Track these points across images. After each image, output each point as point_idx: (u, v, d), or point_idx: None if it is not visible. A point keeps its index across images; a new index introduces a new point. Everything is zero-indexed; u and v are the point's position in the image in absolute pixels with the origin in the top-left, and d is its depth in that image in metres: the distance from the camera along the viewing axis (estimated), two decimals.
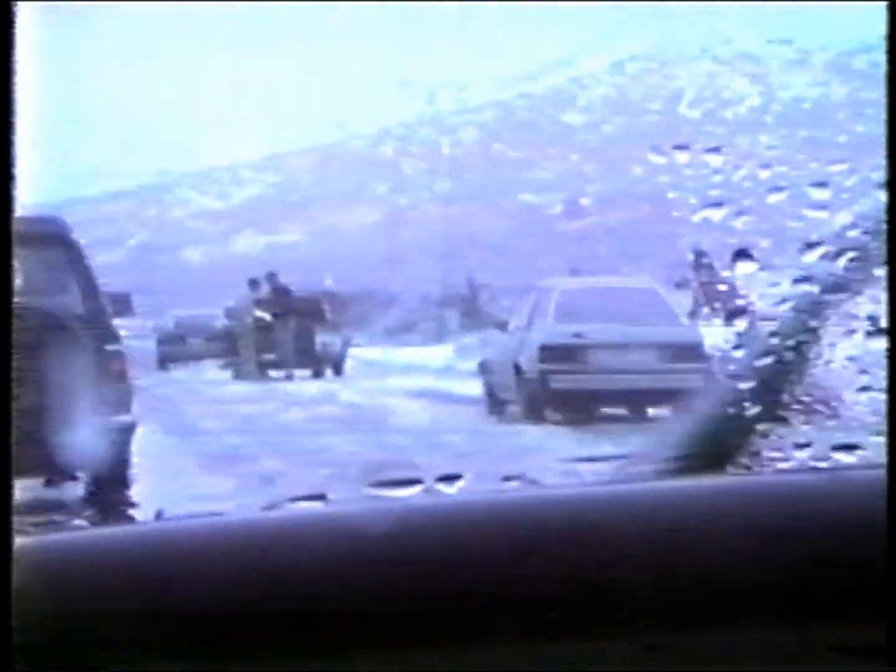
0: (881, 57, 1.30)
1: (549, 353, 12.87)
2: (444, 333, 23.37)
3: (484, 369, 14.12)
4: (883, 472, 1.23)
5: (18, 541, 1.16)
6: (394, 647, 1.18)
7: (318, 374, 20.52)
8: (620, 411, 12.50)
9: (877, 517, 1.19)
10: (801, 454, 1.52)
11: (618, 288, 14.50)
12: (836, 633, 1.19)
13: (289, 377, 19.76)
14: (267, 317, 20.36)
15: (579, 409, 12.14)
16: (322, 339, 21.18)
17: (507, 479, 1.52)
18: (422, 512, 1.29)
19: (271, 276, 21.13)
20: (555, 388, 12.59)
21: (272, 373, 19.49)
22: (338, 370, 20.99)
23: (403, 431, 10.93)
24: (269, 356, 19.69)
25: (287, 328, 20.37)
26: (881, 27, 1.38)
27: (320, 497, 1.36)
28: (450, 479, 1.36)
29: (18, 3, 1.18)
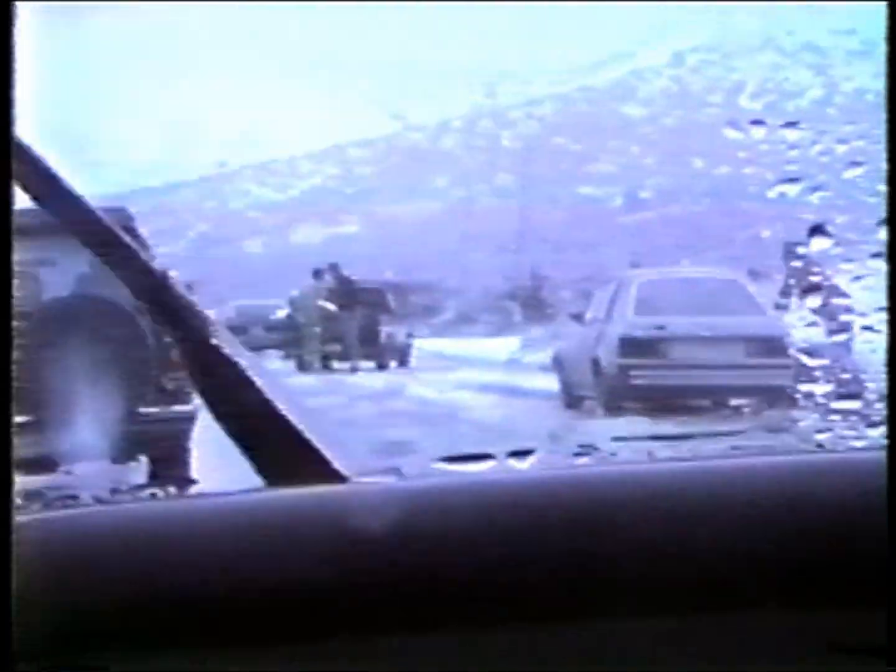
0: None
1: (630, 346, 12.37)
2: (507, 326, 23.30)
3: (558, 363, 13.59)
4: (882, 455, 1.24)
5: (19, 519, 1.18)
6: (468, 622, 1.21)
7: (382, 367, 20.28)
8: (705, 406, 11.93)
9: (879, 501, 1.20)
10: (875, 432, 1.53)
11: (700, 278, 13.90)
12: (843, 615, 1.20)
13: (353, 369, 19.63)
14: (332, 307, 20.25)
15: (661, 405, 11.57)
16: (387, 330, 21.00)
17: (578, 454, 1.55)
18: (492, 486, 1.32)
19: (333, 267, 21.05)
20: (636, 384, 12.11)
21: (336, 364, 19.33)
22: (403, 362, 20.77)
23: (478, 426, 10.52)
24: (334, 347, 19.52)
25: (352, 319, 20.25)
26: None
27: (395, 471, 1.38)
28: (522, 454, 1.39)
29: (19, 2, 1.22)
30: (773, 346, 10.67)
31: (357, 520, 1.21)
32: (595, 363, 12.46)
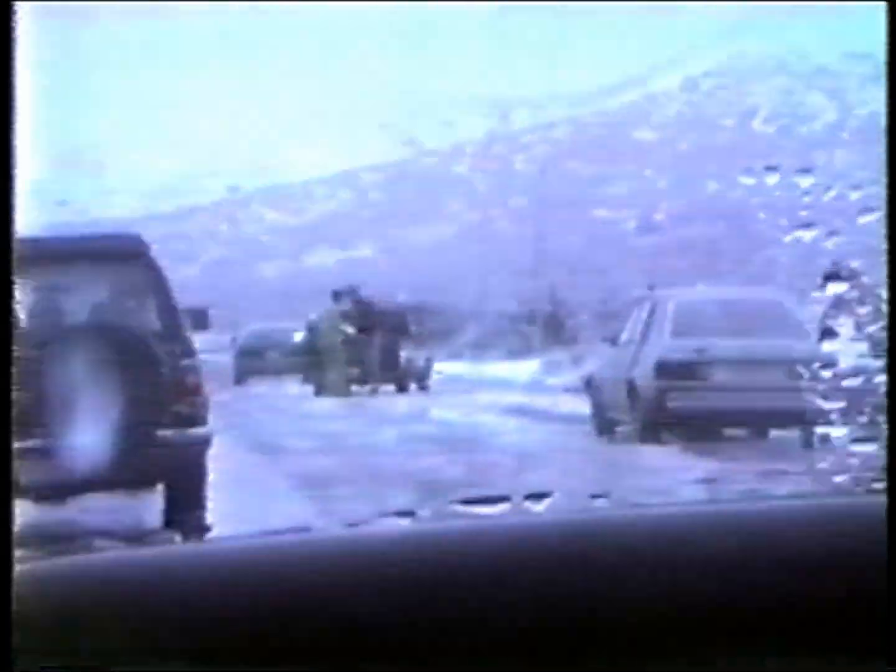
0: None
1: (668, 369, 11.95)
2: (526, 349, 23.16)
3: (590, 386, 13.09)
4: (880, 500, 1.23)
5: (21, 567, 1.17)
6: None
7: (402, 390, 20.00)
8: (743, 433, 11.77)
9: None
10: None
11: (740, 299, 13.32)
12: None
13: (373, 392, 19.38)
14: (351, 330, 20.04)
15: (700, 430, 11.30)
16: (406, 353, 20.77)
17: (594, 496, 1.52)
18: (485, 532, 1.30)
19: (352, 289, 20.82)
20: (673, 408, 11.63)
21: (355, 387, 19.11)
22: (422, 385, 20.52)
23: (505, 452, 10.28)
24: (353, 370, 19.28)
25: (371, 342, 20.06)
26: None
27: (409, 514, 1.35)
28: (538, 496, 1.37)
29: (20, 2, 1.22)
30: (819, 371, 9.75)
31: (369, 565, 1.21)
32: (630, 387, 11.98)
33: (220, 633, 1.15)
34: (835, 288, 2.33)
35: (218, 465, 6.95)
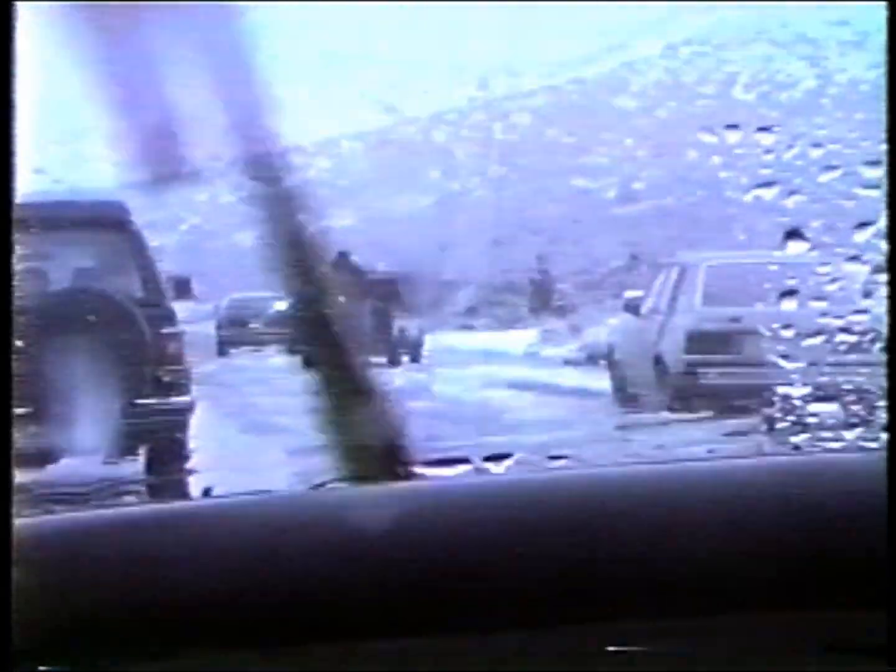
0: None
1: (699, 341, 11.13)
2: (515, 320, 23.02)
3: (611, 359, 12.35)
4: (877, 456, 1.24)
5: (19, 522, 1.18)
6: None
7: (393, 362, 19.50)
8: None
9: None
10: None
11: (775, 263, 11.89)
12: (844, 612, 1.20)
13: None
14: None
15: (734, 406, 10.25)
16: (399, 323, 20.17)
17: (553, 457, 1.54)
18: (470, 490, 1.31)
19: (343, 256, 20.33)
20: (706, 383, 10.86)
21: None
22: (415, 357, 19.93)
23: (526, 431, 9.66)
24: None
25: (362, 312, 19.62)
26: None
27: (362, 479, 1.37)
28: (498, 458, 1.39)
29: (22, 2, 1.22)
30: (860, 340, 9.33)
31: (346, 522, 1.21)
32: (657, 360, 11.21)
33: (207, 594, 1.16)
34: (796, 247, 2.34)
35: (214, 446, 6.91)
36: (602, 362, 12.76)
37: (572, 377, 13.39)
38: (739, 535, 1.23)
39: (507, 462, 1.43)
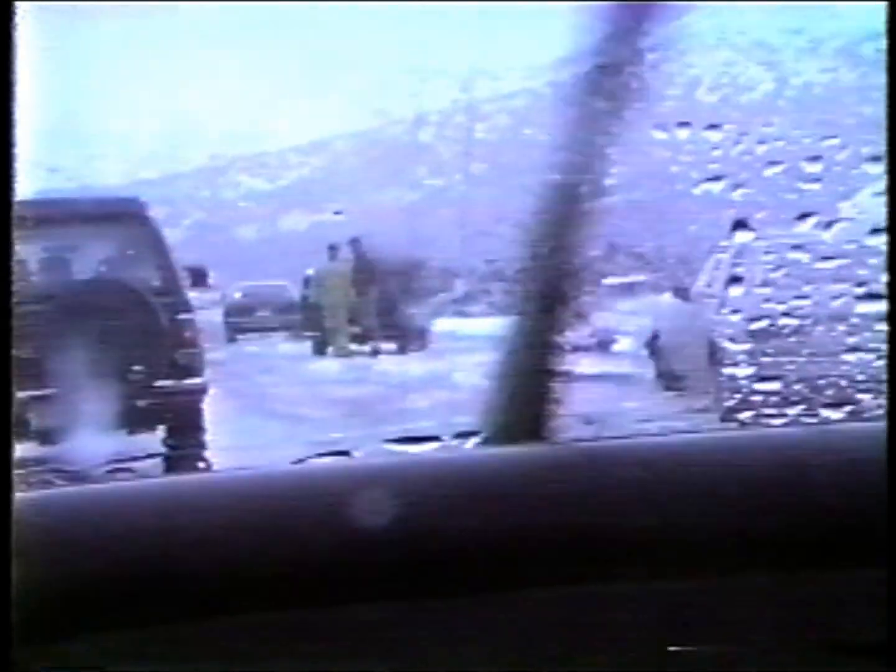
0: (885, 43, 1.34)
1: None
2: (508, 305, 22.70)
3: (654, 345, 11.61)
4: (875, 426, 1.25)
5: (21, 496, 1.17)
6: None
7: (402, 350, 18.91)
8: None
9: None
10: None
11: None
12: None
13: (375, 352, 18.30)
14: (351, 286, 18.90)
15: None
16: (407, 310, 19.63)
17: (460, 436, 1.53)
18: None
19: (355, 243, 19.37)
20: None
21: (354, 347, 17.97)
22: (422, 344, 19.38)
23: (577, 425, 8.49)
24: (353, 329, 18.19)
25: (372, 298, 18.97)
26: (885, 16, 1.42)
27: (344, 453, 1.38)
28: (466, 435, 1.40)
29: (24, 2, 1.22)
30: None
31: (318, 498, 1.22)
32: (711, 348, 10.36)
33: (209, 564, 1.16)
34: (742, 237, 2.37)
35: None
36: (629, 349, 12.14)
37: (587, 363, 12.65)
38: (733, 510, 1.24)
39: (474, 439, 1.45)
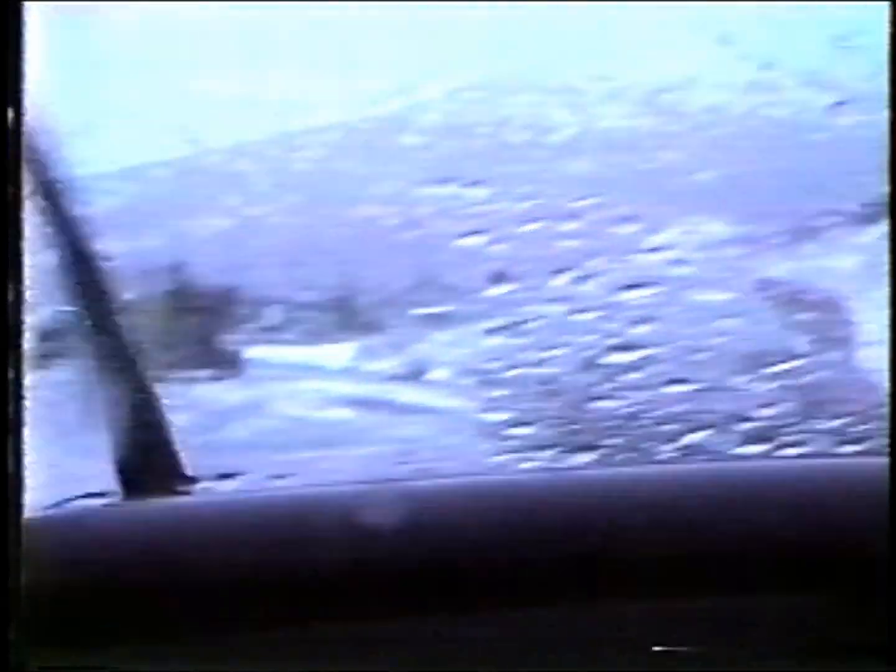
0: (683, 95, 1.37)
1: None
2: (322, 333, 22.63)
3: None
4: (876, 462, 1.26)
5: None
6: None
7: (217, 378, 18.48)
8: None
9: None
10: None
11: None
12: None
13: (188, 380, 17.94)
14: (166, 312, 18.88)
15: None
16: (220, 337, 19.59)
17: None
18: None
19: (173, 270, 19.64)
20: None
21: (169, 375, 17.50)
22: (234, 372, 19.21)
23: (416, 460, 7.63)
24: (165, 356, 17.79)
25: (187, 324, 18.99)
26: (685, 68, 1.45)
27: (231, 476, 1.34)
28: (229, 476, 1.38)
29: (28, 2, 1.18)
30: None
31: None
32: None
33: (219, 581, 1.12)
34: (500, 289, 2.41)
35: None
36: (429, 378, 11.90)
37: (410, 394, 12.15)
38: (741, 534, 1.24)
39: (234, 483, 1.43)
